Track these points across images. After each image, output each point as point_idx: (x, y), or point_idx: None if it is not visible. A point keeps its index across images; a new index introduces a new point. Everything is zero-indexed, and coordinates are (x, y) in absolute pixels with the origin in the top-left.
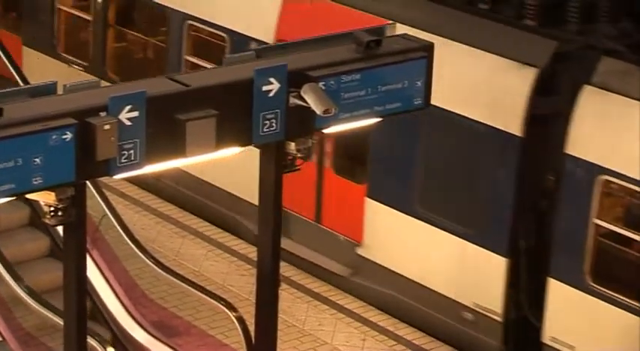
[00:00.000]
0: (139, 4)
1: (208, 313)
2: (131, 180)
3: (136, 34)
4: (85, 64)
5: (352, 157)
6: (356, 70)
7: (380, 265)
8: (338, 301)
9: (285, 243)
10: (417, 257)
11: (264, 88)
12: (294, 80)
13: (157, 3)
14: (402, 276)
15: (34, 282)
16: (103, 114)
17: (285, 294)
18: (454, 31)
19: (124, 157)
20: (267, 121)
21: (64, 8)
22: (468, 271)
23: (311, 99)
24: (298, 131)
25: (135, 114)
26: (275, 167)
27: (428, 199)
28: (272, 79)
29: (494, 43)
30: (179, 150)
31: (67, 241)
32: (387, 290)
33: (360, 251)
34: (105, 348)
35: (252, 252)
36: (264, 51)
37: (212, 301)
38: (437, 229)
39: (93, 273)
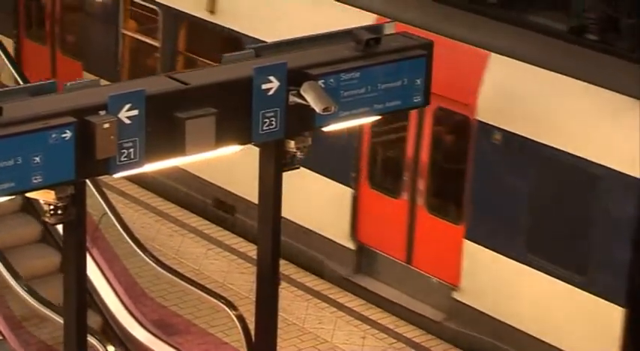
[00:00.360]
0: (213, 30)
1: (208, 311)
2: (131, 178)
3: (210, 63)
4: None
5: (448, 194)
6: (355, 68)
7: (479, 311)
8: (338, 300)
9: (372, 284)
10: (522, 304)
11: (264, 86)
12: (294, 78)
13: (235, 31)
14: (503, 323)
15: (26, 267)
16: (102, 113)
17: (285, 292)
18: (565, 66)
19: (123, 156)
20: (267, 120)
21: (129, 33)
22: (580, 321)
23: (310, 97)
24: (298, 129)
25: (134, 112)
26: (275, 165)
27: (536, 242)
28: (271, 78)
29: (609, 78)
30: (179, 148)
31: (66, 240)
32: (486, 337)
33: (456, 295)
34: (105, 346)
35: (252, 250)
36: (263, 49)
37: (212, 299)
38: (545, 275)
39: (93, 272)
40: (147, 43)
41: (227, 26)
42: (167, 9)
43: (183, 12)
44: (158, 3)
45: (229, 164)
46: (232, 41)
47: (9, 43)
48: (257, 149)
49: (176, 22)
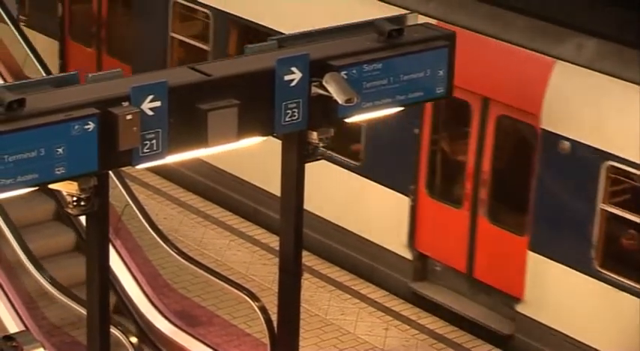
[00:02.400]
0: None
1: (231, 302)
2: (154, 170)
3: None
4: None
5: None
6: (378, 59)
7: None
8: (360, 291)
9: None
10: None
11: (286, 77)
12: (316, 69)
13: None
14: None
15: (59, 276)
16: (125, 104)
17: (308, 283)
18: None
19: (146, 147)
20: (289, 111)
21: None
22: None
23: (333, 88)
24: (320, 121)
25: (157, 104)
26: (297, 157)
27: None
28: (294, 69)
29: None
30: (201, 140)
31: (89, 231)
32: None
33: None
34: (128, 338)
35: (274, 241)
36: (285, 40)
37: (235, 290)
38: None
39: (116, 263)
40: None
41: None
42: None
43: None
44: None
45: None
46: None
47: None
48: None
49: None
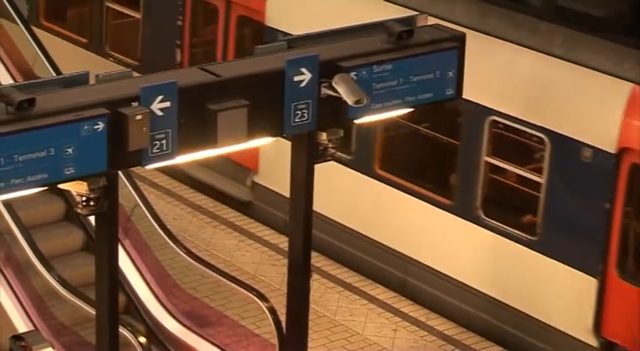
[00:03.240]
0: None
1: (240, 303)
2: (163, 170)
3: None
4: None
5: None
6: (388, 60)
7: None
8: (369, 292)
9: None
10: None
11: (296, 78)
12: (326, 70)
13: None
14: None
15: (68, 276)
16: (135, 104)
17: (317, 284)
18: None
19: (155, 148)
20: (299, 112)
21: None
22: None
23: (342, 89)
24: (330, 122)
25: (167, 104)
26: (306, 158)
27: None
28: (303, 70)
29: None
30: (211, 140)
31: (99, 231)
32: None
33: None
34: (137, 338)
35: (283, 242)
36: (295, 41)
37: (243, 291)
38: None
39: (125, 263)
40: None
41: None
42: None
43: None
44: None
45: None
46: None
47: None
48: None
49: None
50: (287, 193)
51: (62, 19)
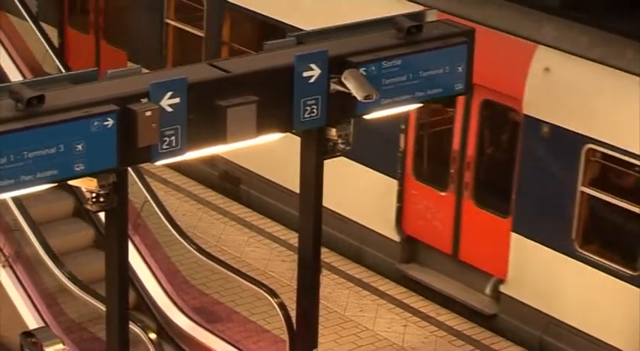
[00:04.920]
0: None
1: (250, 299)
2: (172, 166)
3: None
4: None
5: None
6: (397, 55)
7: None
8: (379, 287)
9: None
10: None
11: (305, 74)
12: (335, 66)
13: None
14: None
15: (78, 272)
16: (144, 100)
17: (327, 280)
18: None
19: (165, 144)
20: (308, 107)
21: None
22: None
23: (352, 85)
24: (339, 117)
25: (176, 100)
26: (316, 154)
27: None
28: (313, 65)
29: None
30: (220, 136)
31: (108, 228)
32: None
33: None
34: (147, 334)
35: (293, 238)
36: (304, 37)
37: (253, 287)
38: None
39: (135, 259)
40: None
41: None
42: None
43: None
44: None
45: None
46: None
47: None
48: None
49: None
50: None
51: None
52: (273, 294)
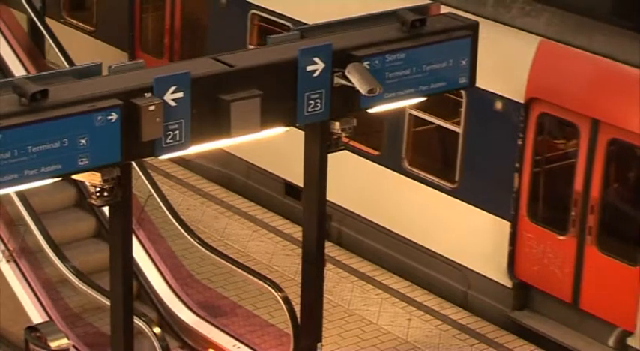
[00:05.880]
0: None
1: (254, 293)
2: (176, 160)
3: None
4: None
5: None
6: (401, 49)
7: None
8: (383, 281)
9: None
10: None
11: (309, 67)
12: (339, 60)
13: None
14: None
15: (80, 263)
16: (148, 95)
17: (331, 274)
18: None
19: (169, 138)
20: (312, 101)
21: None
22: None
23: (355, 78)
24: (343, 111)
25: (180, 95)
26: (319, 147)
27: None
28: (316, 59)
29: None
30: (224, 130)
31: (113, 222)
32: None
33: None
34: (151, 328)
35: (297, 232)
36: (308, 31)
37: (257, 281)
38: None
39: (139, 253)
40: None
41: None
42: None
43: None
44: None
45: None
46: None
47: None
48: None
49: None
50: None
51: None
52: (277, 288)
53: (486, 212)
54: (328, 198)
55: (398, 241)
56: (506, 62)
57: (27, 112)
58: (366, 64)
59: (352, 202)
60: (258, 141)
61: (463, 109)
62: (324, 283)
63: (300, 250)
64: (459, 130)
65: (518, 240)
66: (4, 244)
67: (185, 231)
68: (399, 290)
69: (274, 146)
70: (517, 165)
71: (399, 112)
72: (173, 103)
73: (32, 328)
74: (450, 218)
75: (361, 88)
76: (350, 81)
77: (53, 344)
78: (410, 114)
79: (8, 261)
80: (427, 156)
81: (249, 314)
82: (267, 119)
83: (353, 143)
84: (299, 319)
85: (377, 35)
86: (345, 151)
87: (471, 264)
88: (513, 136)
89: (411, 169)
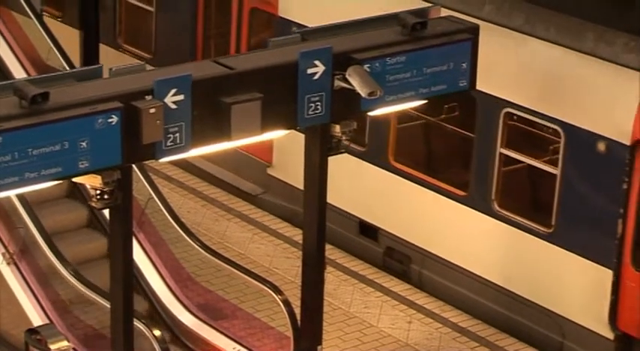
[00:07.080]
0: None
1: (254, 295)
2: (177, 163)
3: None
4: None
5: None
6: (401, 52)
7: None
8: (384, 284)
9: None
10: None
11: (309, 70)
12: (339, 63)
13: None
14: None
15: (72, 253)
16: (148, 97)
17: (331, 276)
18: None
19: (169, 141)
20: (312, 104)
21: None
22: None
23: (356, 81)
24: (343, 114)
25: (180, 97)
26: (320, 150)
27: None
28: (317, 62)
29: None
30: (224, 133)
31: (113, 224)
32: None
33: None
34: (152, 331)
35: (297, 235)
36: (309, 33)
37: (258, 283)
38: None
39: (139, 256)
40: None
41: None
42: None
43: None
44: None
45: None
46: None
47: None
48: None
49: None
50: None
51: None
52: (277, 291)
53: (585, 259)
54: (412, 240)
55: (487, 287)
56: (610, 101)
57: (27, 115)
58: (366, 66)
59: (437, 245)
60: (331, 179)
61: (561, 150)
62: (325, 285)
63: (300, 253)
64: (555, 171)
65: (621, 289)
66: (5, 246)
67: (185, 234)
68: (399, 293)
69: (348, 183)
70: (621, 210)
71: (488, 151)
72: (173, 106)
73: (32, 331)
74: (544, 264)
75: (362, 90)
76: (350, 84)
77: (53, 347)
78: (500, 153)
79: (9, 264)
80: (519, 198)
81: (249, 317)
82: (268, 122)
83: (436, 181)
84: (299, 322)
85: (377, 38)
86: (430, 191)
87: (567, 313)
88: (617, 179)
89: (502, 211)
